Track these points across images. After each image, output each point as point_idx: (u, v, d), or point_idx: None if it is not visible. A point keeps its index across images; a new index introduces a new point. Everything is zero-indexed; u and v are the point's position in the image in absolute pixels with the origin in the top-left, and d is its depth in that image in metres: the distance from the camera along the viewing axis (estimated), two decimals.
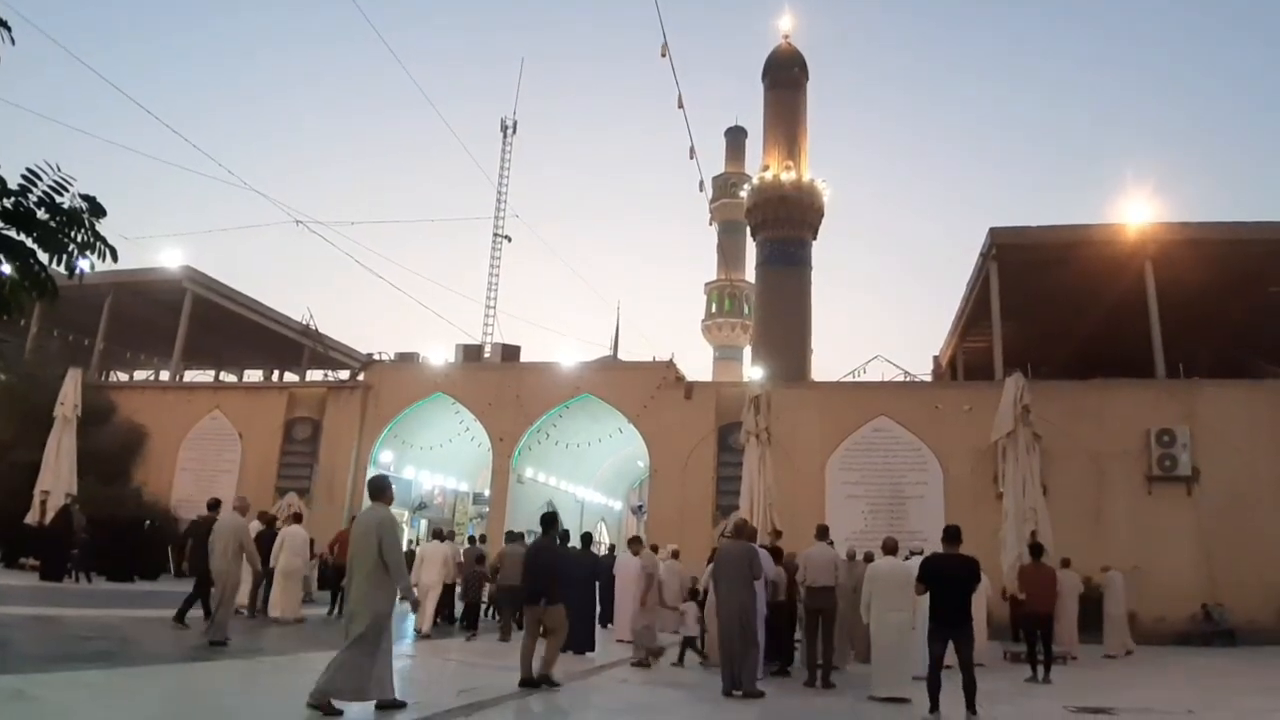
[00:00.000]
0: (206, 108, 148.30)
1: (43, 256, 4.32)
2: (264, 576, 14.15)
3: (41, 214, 4.29)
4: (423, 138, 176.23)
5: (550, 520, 9.51)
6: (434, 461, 30.36)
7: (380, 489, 7.51)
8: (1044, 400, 17.69)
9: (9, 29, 4.46)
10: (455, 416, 27.72)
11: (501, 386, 26.55)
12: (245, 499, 12.63)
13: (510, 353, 29.25)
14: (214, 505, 12.39)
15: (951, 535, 8.60)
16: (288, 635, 12.88)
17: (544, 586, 8.98)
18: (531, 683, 8.72)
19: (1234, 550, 19.58)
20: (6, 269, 4.31)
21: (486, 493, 28.47)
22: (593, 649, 12.56)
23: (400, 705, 6.89)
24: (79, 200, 4.37)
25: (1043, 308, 26.58)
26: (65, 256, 4.35)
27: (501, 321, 39.15)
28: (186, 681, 8.15)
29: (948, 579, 8.25)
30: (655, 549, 17.41)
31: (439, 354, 29.27)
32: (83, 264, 4.41)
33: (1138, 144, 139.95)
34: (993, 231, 24.11)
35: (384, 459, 27.55)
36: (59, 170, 4.28)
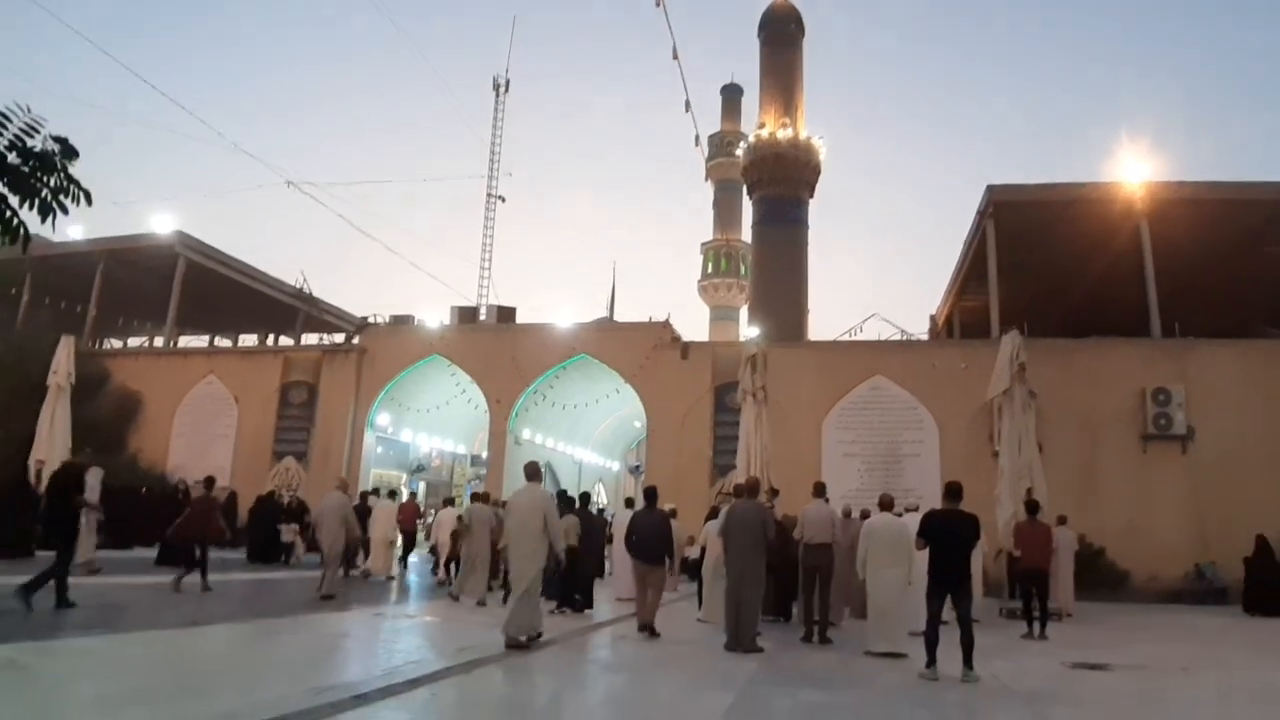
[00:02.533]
0: (194, 70, 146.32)
1: (13, 201, 4.19)
2: (361, 543, 16.44)
3: (13, 158, 4.15)
4: (416, 98, 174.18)
5: (652, 493, 10.98)
6: (431, 424, 30.37)
7: (536, 472, 9.39)
8: (1039, 359, 17.61)
9: None
10: (451, 379, 27.69)
11: (497, 348, 26.49)
12: (345, 480, 15.96)
13: (506, 314, 29.14)
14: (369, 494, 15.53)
15: (953, 492, 8.57)
16: (352, 592, 14.18)
17: (666, 550, 10.47)
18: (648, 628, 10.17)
19: (1227, 509, 19.57)
20: None
21: (484, 455, 28.50)
22: (591, 607, 12.62)
23: (538, 636, 8.93)
24: (50, 143, 4.24)
25: (1039, 266, 26.47)
26: (38, 201, 4.22)
27: (496, 283, 39.08)
28: (181, 647, 8.13)
29: (948, 535, 8.22)
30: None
31: (434, 316, 29.18)
32: (57, 210, 4.29)
33: (1136, 102, 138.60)
34: (990, 189, 23.95)
35: (381, 422, 27.56)
36: (29, 112, 4.14)
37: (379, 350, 27.30)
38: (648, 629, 10.14)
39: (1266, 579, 16.67)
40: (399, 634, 10.13)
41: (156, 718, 4.99)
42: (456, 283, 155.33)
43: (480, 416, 27.98)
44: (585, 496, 14.32)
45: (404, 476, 30.54)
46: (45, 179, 4.24)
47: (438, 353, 26.88)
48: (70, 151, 4.26)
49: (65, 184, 4.28)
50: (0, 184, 4.15)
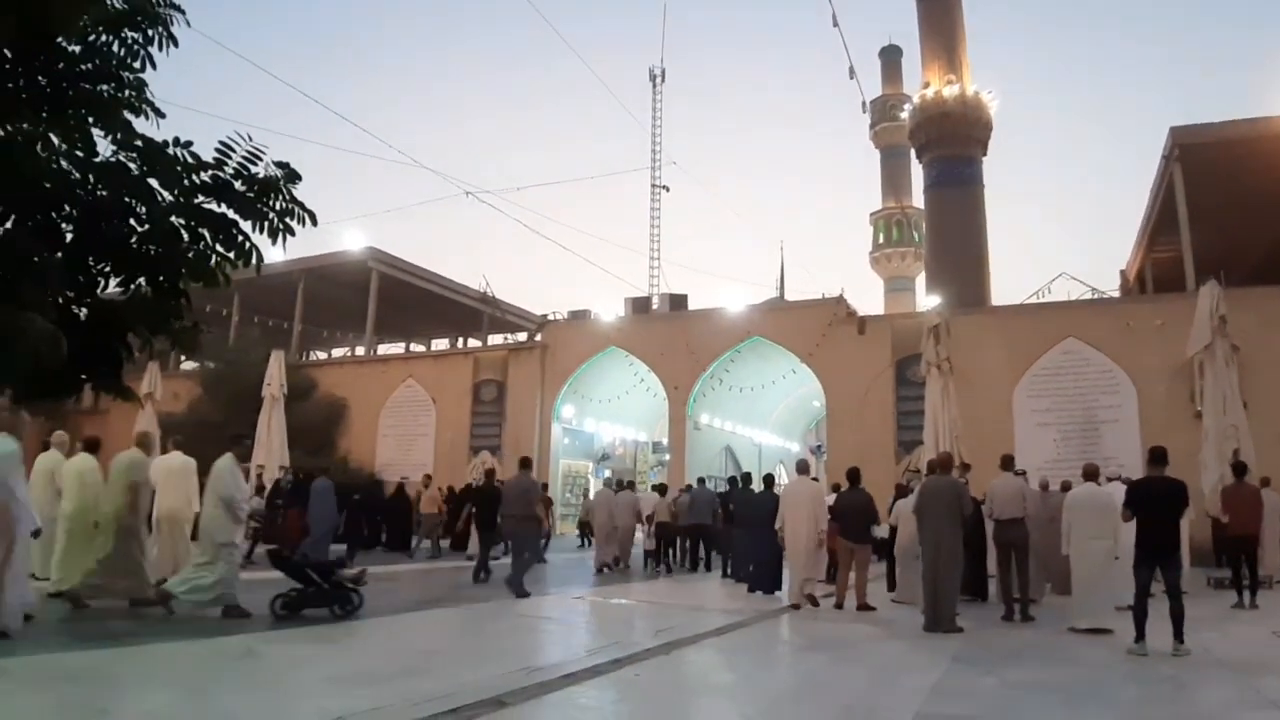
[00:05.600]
0: (373, 94, 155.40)
1: (245, 226, 4.46)
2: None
3: (239, 185, 4.42)
4: (576, 96, 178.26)
5: (855, 474, 11.47)
6: (613, 413, 31.17)
7: (806, 467, 12.02)
8: (1239, 309, 16.18)
9: (183, 11, 4.61)
10: (629, 368, 28.34)
11: (671, 336, 26.88)
12: (633, 480, 19.23)
13: (678, 302, 29.51)
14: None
15: (1158, 457, 8.18)
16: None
17: (866, 528, 11.23)
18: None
19: None
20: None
21: (665, 441, 29.03)
22: (780, 588, 12.65)
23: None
24: (273, 169, 4.46)
25: (1232, 210, 24.25)
26: (267, 224, 4.46)
27: (666, 271, 39.65)
28: (398, 632, 8.76)
29: (1156, 504, 7.86)
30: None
31: (609, 309, 29.94)
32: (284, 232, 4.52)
33: None
34: (1173, 131, 22.36)
35: (566, 414, 28.56)
36: (250, 140, 4.39)
37: (559, 345, 28.30)
38: (865, 607, 10.68)
39: None
40: (600, 616, 10.68)
41: (381, 698, 5.35)
42: (629, 274, 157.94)
43: (659, 404, 28.52)
44: (769, 479, 14.40)
45: (590, 465, 31.54)
46: (271, 203, 4.47)
47: (615, 344, 27.57)
48: (293, 176, 4.49)
49: (290, 207, 4.50)
50: (230, 210, 4.41)
